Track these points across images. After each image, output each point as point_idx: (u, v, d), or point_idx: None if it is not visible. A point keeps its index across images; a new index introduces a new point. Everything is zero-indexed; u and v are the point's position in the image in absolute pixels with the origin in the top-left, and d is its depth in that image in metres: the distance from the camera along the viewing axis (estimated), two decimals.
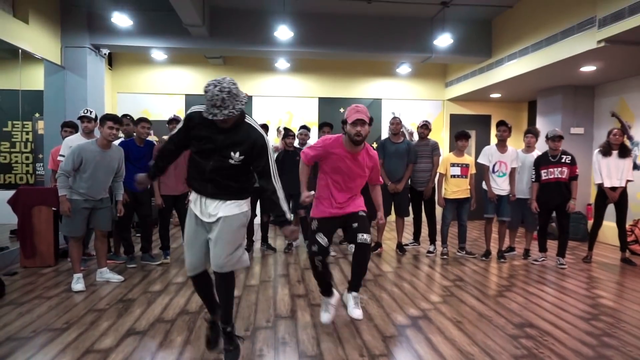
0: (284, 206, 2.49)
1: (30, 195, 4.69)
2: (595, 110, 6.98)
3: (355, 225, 3.02)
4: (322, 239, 2.98)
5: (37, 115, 6.61)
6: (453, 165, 5.22)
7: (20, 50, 5.22)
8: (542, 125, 7.27)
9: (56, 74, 6.01)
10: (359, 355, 2.69)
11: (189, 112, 2.45)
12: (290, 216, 2.59)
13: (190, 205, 2.54)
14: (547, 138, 4.96)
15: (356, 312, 3.03)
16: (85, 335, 2.94)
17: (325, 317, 3.10)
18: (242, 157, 2.39)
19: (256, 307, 3.54)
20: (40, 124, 6.58)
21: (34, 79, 6.18)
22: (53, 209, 4.67)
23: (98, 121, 4.13)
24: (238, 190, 2.48)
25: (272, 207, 2.51)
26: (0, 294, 3.72)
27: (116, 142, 4.35)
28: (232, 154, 2.37)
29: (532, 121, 8.27)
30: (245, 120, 2.44)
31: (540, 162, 5.01)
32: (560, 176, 4.88)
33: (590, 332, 3.08)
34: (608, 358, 2.68)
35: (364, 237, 2.96)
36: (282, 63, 8.01)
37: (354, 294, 3.10)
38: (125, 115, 5.27)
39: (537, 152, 5.24)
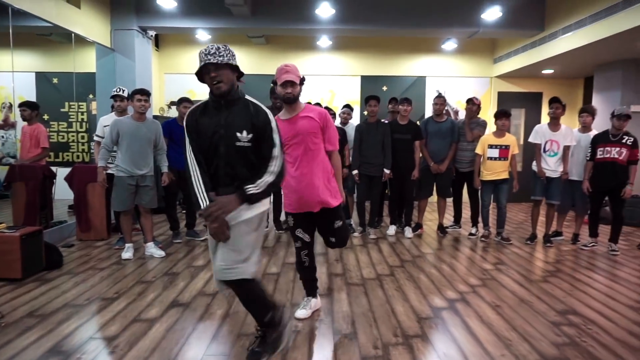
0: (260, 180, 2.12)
1: (84, 173, 4.96)
2: None
3: (333, 240, 2.95)
4: (302, 234, 2.90)
5: (90, 96, 6.94)
6: (491, 147, 4.99)
7: (73, 34, 5.44)
8: (599, 103, 6.83)
9: (107, 56, 6.25)
10: (393, 335, 2.70)
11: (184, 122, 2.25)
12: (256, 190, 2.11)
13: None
14: (613, 115, 4.63)
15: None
16: (133, 305, 3.13)
17: (302, 313, 2.94)
18: (250, 136, 2.11)
19: (293, 284, 3.61)
20: (94, 105, 6.90)
21: (86, 62, 6.47)
22: (105, 186, 4.93)
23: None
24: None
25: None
26: (59, 265, 4.01)
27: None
28: (237, 134, 2.10)
29: (587, 99, 7.78)
30: (246, 97, 2.20)
31: (598, 140, 4.71)
32: (617, 157, 4.57)
33: (639, 323, 2.93)
34: None
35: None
36: (324, 41, 7.91)
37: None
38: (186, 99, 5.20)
39: (594, 132, 4.92)
